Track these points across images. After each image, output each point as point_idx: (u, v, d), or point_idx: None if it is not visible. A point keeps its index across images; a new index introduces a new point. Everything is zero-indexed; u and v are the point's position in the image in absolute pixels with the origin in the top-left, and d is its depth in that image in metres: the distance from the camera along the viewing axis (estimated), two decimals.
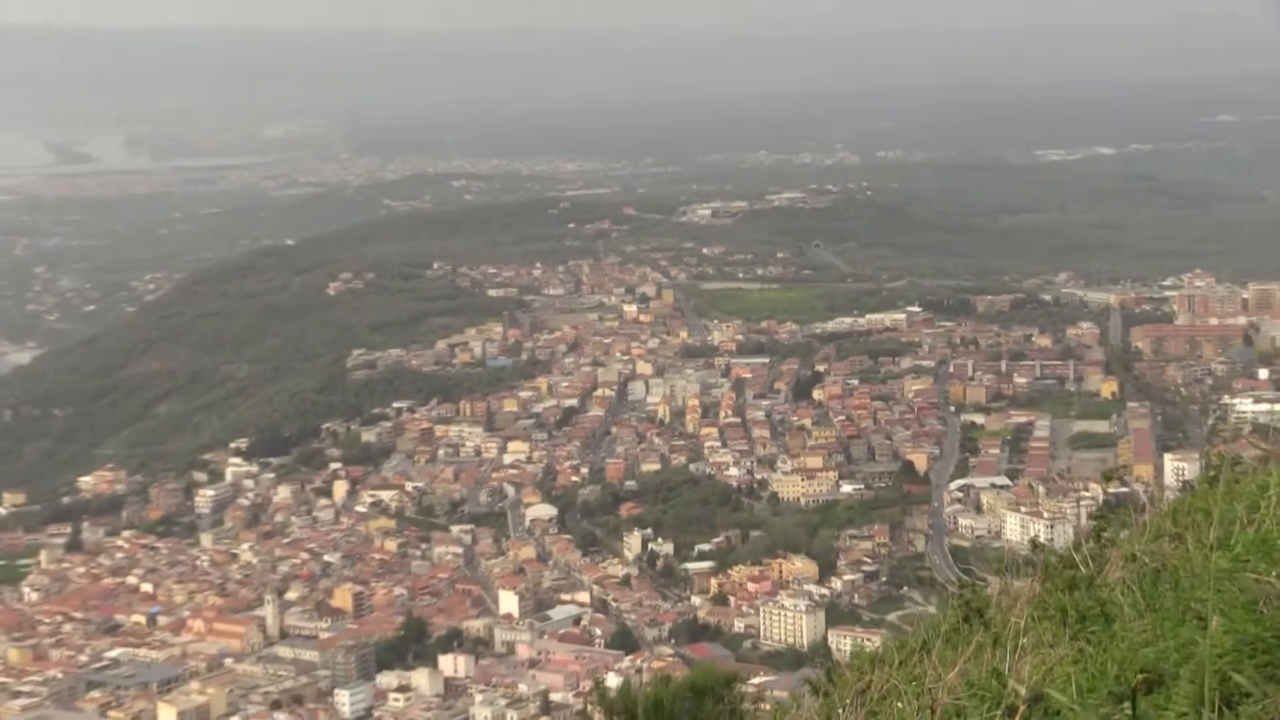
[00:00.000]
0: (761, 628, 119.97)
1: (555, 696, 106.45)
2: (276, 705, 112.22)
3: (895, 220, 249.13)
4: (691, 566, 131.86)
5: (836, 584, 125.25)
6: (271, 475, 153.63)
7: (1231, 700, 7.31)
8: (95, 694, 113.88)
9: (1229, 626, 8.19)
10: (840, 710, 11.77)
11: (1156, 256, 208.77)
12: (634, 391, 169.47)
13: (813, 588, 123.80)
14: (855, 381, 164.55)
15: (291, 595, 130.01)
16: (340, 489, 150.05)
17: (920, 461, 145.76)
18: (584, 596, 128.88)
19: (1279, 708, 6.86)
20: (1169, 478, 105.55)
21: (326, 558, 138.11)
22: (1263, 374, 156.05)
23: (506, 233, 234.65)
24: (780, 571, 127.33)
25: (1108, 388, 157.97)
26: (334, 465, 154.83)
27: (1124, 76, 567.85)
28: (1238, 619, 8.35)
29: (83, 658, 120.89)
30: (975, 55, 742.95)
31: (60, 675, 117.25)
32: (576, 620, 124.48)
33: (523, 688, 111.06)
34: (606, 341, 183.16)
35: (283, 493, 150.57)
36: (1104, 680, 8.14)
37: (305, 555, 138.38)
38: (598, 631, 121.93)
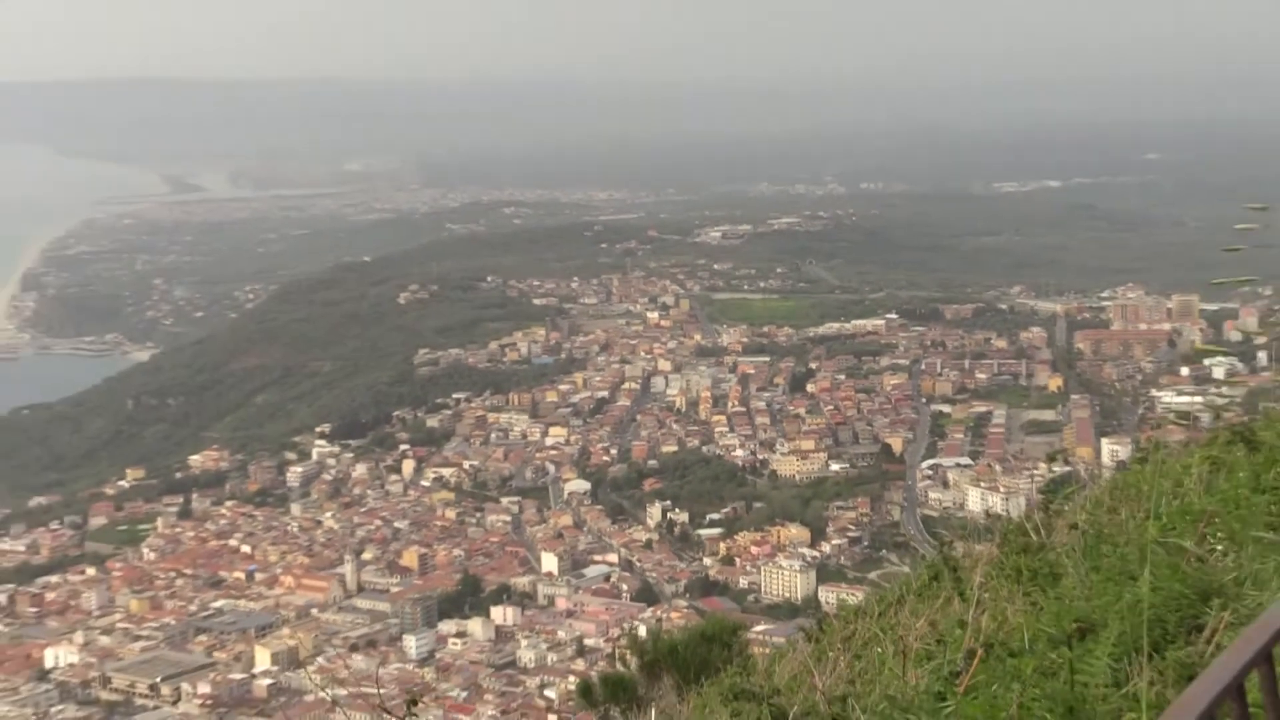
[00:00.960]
0: (762, 584, 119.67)
1: (589, 641, 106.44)
2: (354, 648, 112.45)
3: (876, 241, 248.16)
4: (703, 532, 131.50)
5: (826, 547, 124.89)
6: (350, 454, 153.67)
7: (1158, 646, 7.39)
8: (202, 638, 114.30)
9: (1157, 584, 8.27)
10: (829, 654, 11.82)
11: (1095, 272, 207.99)
12: (655, 385, 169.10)
13: (806, 551, 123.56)
14: (842, 377, 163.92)
15: (367, 556, 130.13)
16: (408, 466, 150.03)
17: (896, 444, 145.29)
18: (613, 557, 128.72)
19: (1199, 653, 6.93)
20: (1106, 458, 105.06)
21: (396, 524, 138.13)
22: (1184, 371, 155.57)
23: (548, 251, 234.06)
24: (778, 537, 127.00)
25: (1054, 382, 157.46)
26: (403, 446, 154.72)
27: (1068, 121, 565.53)
28: (1164, 578, 8.42)
29: (192, 607, 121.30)
30: (943, 105, 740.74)
31: (173, 622, 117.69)
32: (607, 577, 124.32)
33: (561, 634, 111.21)
34: (632, 343, 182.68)
35: (359, 469, 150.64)
36: (1051, 627, 8.23)
37: (378, 522, 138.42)
38: (624, 587, 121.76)
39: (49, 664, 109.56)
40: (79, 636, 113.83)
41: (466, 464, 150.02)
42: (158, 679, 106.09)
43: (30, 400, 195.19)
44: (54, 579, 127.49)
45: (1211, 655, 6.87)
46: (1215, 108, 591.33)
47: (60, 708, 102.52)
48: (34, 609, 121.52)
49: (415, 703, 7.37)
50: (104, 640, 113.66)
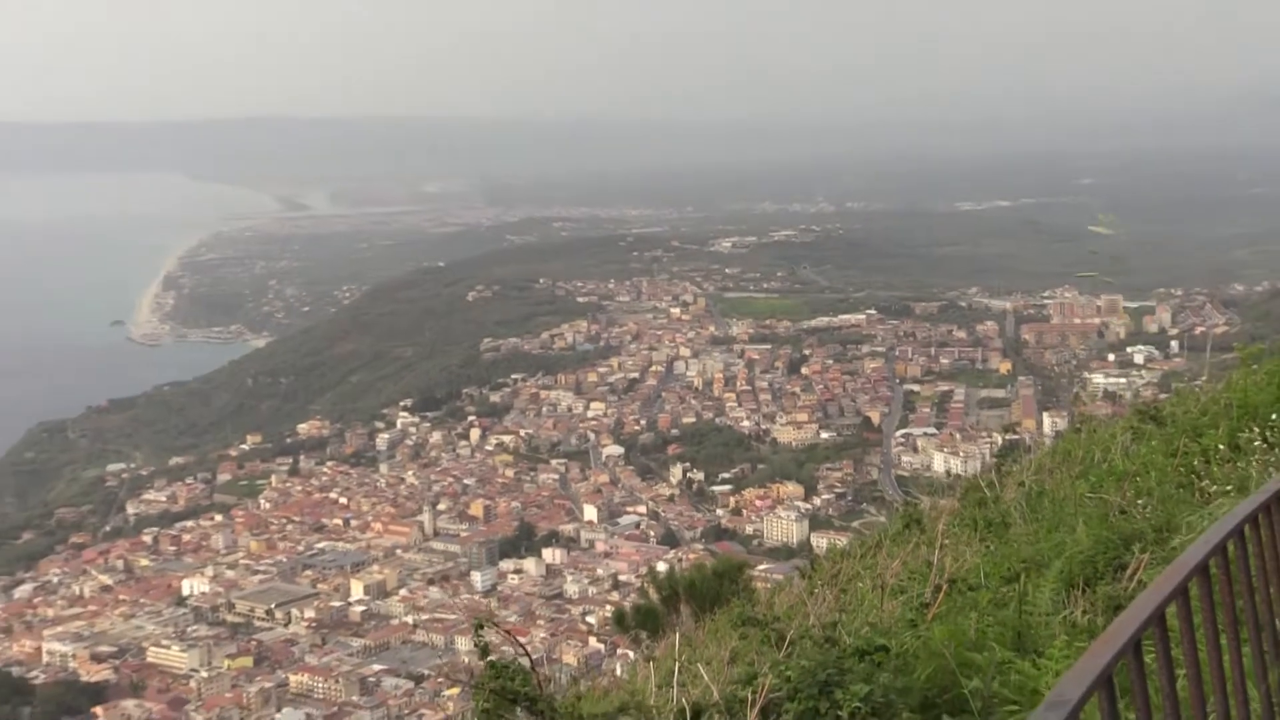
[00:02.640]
0: (764, 531, 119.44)
1: (622, 577, 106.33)
2: (430, 582, 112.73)
3: (859, 250, 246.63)
4: (716, 489, 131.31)
5: (816, 501, 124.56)
6: (427, 424, 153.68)
7: (1090, 582, 7.38)
8: (308, 572, 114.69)
9: (1089, 532, 8.26)
10: (820, 588, 11.84)
11: (1038, 276, 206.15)
12: (677, 368, 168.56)
13: (800, 504, 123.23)
14: (830, 362, 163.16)
15: (441, 507, 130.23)
16: (474, 434, 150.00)
17: (875, 417, 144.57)
18: (642, 509, 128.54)
19: (1123, 588, 6.92)
20: (1046, 429, 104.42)
21: (465, 481, 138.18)
22: (1110, 358, 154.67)
23: (589, 258, 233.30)
24: (777, 492, 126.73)
25: (1004, 366, 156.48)
26: (470, 417, 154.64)
27: (1016, 152, 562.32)
28: (1094, 527, 8.41)
29: (299, 548, 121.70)
30: (914, 138, 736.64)
31: (284, 559, 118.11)
32: (637, 525, 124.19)
33: (600, 571, 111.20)
34: (658, 333, 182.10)
35: (435, 436, 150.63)
36: (1003, 567, 8.23)
37: (450, 479, 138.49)
38: (651, 533, 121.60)
39: (185, 592, 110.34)
40: (209, 570, 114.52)
41: (522, 432, 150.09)
42: (272, 605, 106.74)
43: (170, 379, 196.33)
44: (189, 524, 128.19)
45: (1134, 590, 6.85)
46: (1137, 142, 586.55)
47: (194, 627, 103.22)
48: (173, 547, 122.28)
49: (481, 626, 7.40)
50: (229, 573, 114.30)
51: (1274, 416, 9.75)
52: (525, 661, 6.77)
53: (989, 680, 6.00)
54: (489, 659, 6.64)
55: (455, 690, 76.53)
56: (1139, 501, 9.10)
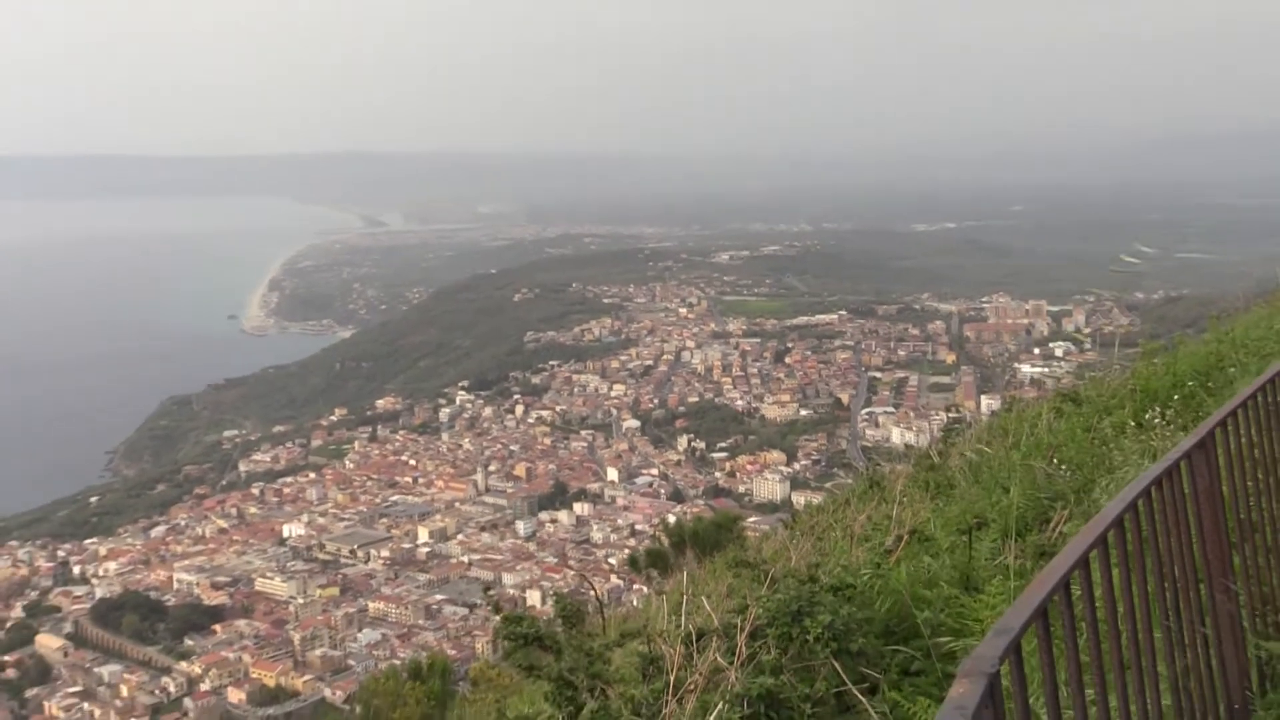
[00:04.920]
0: (754, 490, 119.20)
1: (638, 526, 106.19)
2: (483, 528, 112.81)
3: (832, 262, 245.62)
4: (715, 455, 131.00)
5: (796, 466, 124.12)
6: (480, 400, 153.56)
7: (1022, 533, 7.34)
8: (383, 520, 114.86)
9: (1020, 493, 8.21)
10: (800, 537, 11.80)
11: (979, 284, 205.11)
12: (684, 357, 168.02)
13: (783, 468, 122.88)
14: (809, 353, 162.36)
15: (491, 468, 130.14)
16: (519, 409, 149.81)
17: (844, 398, 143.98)
18: (654, 471, 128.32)
19: (1049, 539, 6.87)
20: (984, 409, 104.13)
21: (511, 447, 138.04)
22: (1035, 351, 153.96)
23: (613, 267, 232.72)
24: (764, 459, 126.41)
25: (950, 358, 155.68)
26: (515, 395, 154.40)
27: (959, 182, 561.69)
28: (1024, 488, 8.37)
29: (376, 500, 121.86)
30: (878, 170, 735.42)
31: (364, 509, 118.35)
32: (650, 484, 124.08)
33: (620, 521, 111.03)
34: (669, 329, 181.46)
35: (487, 410, 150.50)
36: (950, 521, 8.18)
37: (499, 446, 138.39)
38: (662, 491, 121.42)
39: (285, 535, 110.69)
40: (304, 517, 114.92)
41: (557, 408, 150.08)
42: (355, 546, 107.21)
43: (273, 363, 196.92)
44: (288, 479, 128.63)
45: (1057, 540, 6.81)
46: (1058, 177, 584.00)
47: (293, 563, 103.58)
48: (275, 499, 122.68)
49: (499, 609, 7.52)
50: (320, 520, 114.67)
51: (1171, 399, 9.76)
52: (592, 595, 6.89)
53: (938, 612, 6.04)
54: (502, 614, 6.93)
55: (501, 616, 76.64)
56: (1061, 468, 9.06)
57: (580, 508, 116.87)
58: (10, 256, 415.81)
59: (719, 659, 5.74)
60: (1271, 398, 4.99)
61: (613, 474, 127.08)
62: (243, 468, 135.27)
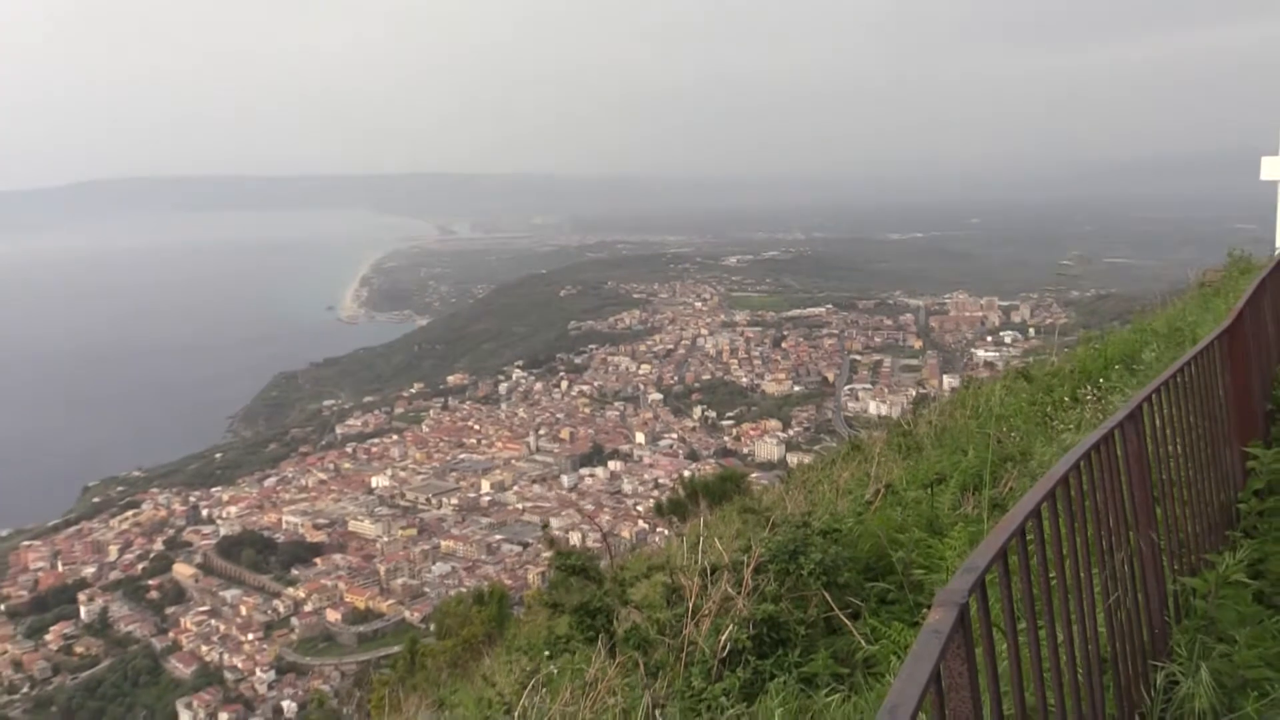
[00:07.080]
0: (755, 452, 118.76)
1: (661, 480, 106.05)
2: (534, 481, 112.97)
3: (821, 265, 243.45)
4: (724, 423, 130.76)
5: (790, 432, 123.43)
6: (533, 377, 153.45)
7: (978, 488, 7.30)
8: (453, 474, 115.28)
9: (976, 455, 8.16)
10: (794, 490, 11.79)
11: (942, 283, 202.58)
12: (699, 343, 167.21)
13: (779, 434, 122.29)
14: (801, 339, 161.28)
15: (541, 432, 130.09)
16: (564, 384, 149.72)
17: (830, 377, 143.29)
18: (674, 435, 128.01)
19: (1001, 493, 6.84)
20: (946, 387, 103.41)
21: (557, 415, 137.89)
22: (989, 339, 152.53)
23: (642, 268, 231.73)
24: (764, 426, 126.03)
25: (918, 344, 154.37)
26: (561, 373, 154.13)
27: (926, 199, 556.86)
28: (980, 451, 8.31)
29: (447, 457, 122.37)
30: (859, 190, 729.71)
31: (437, 465, 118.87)
32: (671, 446, 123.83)
33: (646, 476, 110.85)
34: (687, 319, 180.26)
35: (538, 385, 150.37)
36: (918, 478, 8.15)
37: (547, 414, 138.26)
38: (680, 451, 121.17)
39: (373, 485, 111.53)
40: (389, 471, 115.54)
41: (596, 383, 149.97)
42: (430, 495, 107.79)
43: (363, 345, 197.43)
44: (376, 440, 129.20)
45: (1008, 494, 6.76)
46: (1008, 195, 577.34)
47: (379, 509, 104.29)
48: (365, 456, 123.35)
49: (549, 529, 7.49)
50: (402, 474, 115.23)
51: (1102, 379, 9.66)
52: (598, 536, 6.86)
53: (910, 552, 6.02)
54: (555, 549, 6.95)
55: (550, 553, 76.85)
56: (1010, 434, 8.99)
57: (613, 465, 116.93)
58: (161, 258, 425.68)
59: (729, 589, 5.76)
60: (1187, 378, 4.98)
61: (640, 437, 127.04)
62: (339, 430, 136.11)
